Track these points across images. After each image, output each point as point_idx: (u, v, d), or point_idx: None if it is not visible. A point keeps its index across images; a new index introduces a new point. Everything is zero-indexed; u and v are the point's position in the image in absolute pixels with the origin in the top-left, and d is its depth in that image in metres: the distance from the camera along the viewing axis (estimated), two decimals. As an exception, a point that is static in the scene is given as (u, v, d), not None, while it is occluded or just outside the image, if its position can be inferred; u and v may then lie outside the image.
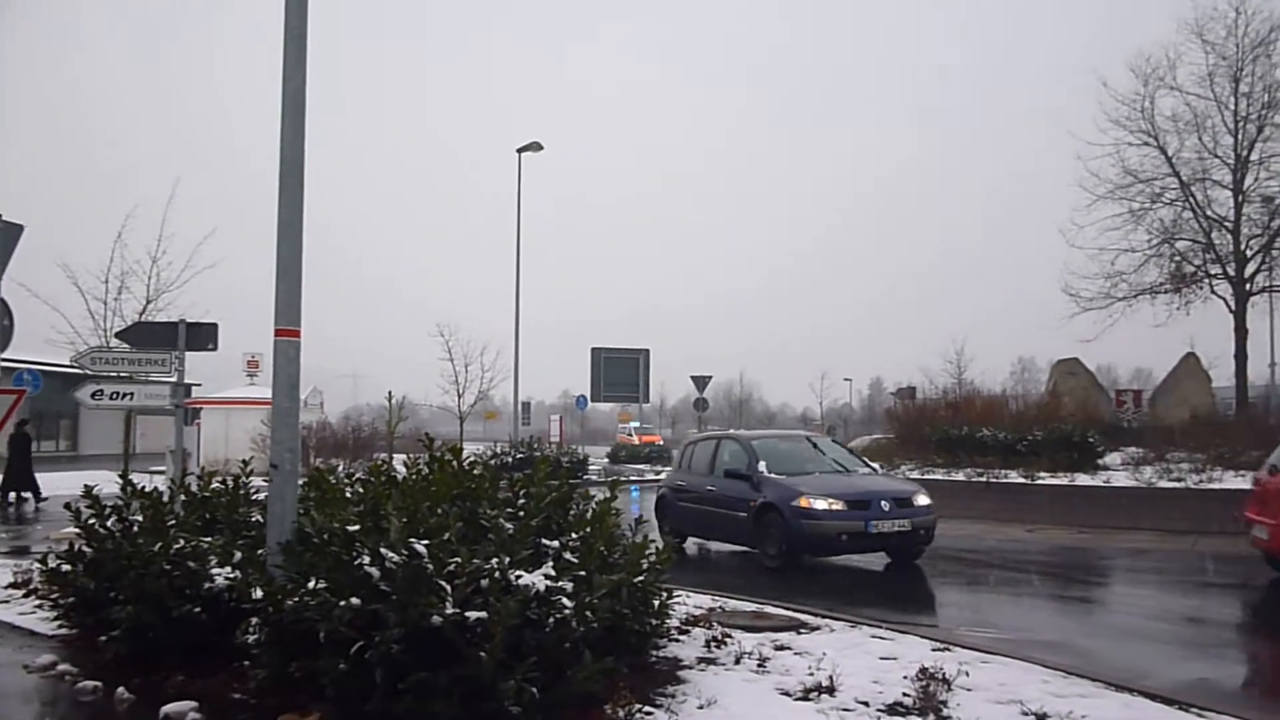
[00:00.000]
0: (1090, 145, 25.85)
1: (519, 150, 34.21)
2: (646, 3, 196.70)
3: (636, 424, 58.14)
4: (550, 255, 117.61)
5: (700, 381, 39.48)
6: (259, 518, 6.93)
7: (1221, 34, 24.67)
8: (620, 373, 37.24)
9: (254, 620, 5.45)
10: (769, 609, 8.77)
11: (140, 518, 6.72)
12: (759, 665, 6.41)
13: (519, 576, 4.93)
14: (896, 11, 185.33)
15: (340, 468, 14.63)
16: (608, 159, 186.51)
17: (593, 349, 37.34)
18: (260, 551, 6.07)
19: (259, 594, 5.30)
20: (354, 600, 4.75)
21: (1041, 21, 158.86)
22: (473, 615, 4.63)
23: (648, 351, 37.72)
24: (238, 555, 6.17)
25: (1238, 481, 16.92)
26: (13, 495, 21.27)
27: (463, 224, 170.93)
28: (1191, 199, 25.42)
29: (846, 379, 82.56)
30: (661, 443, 50.86)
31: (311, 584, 4.99)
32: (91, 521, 6.69)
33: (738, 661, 6.50)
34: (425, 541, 4.93)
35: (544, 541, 5.58)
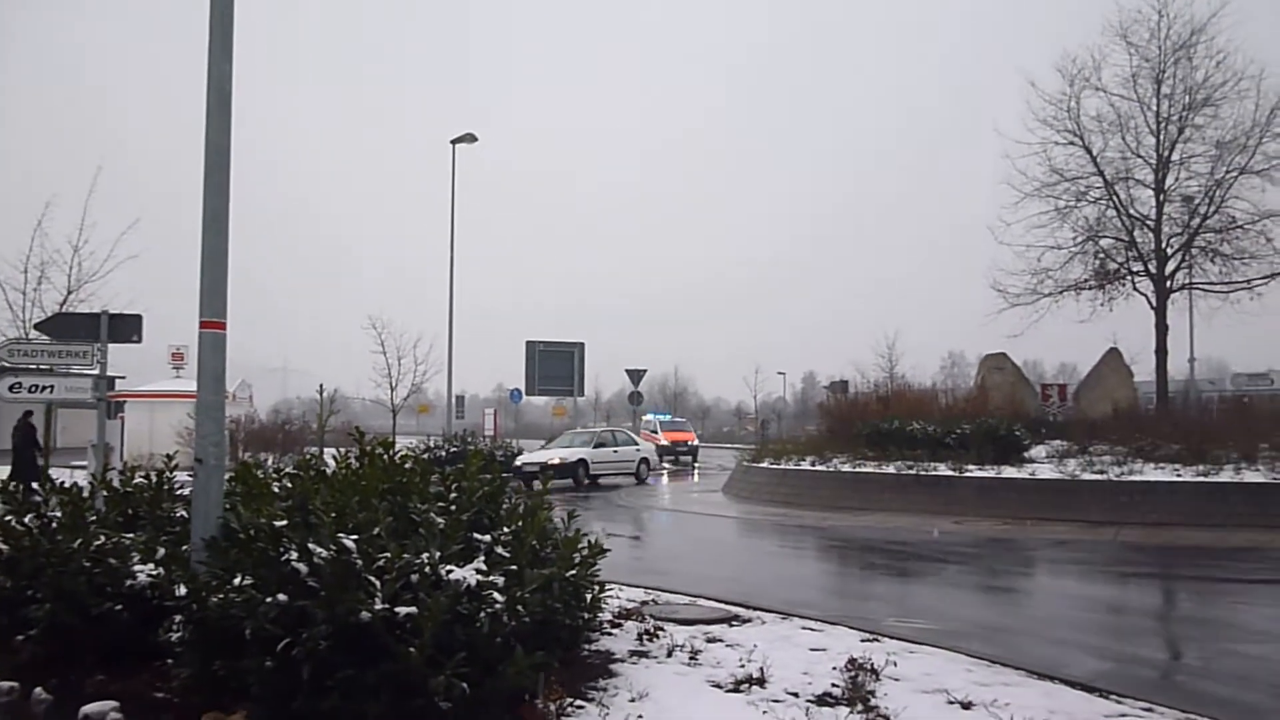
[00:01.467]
0: (1018, 144, 26.28)
1: (453, 141, 33.93)
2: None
3: (666, 415, 52.21)
4: (487, 249, 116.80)
5: (635, 375, 39.53)
6: (183, 513, 6.79)
7: (1145, 36, 25.22)
8: (555, 366, 37.13)
9: (177, 618, 5.34)
10: (702, 602, 8.81)
11: (59, 514, 6.55)
12: (691, 658, 6.45)
13: (450, 571, 4.90)
14: (841, 18, 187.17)
15: (269, 462, 14.41)
16: (558, 150, 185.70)
17: (527, 342, 37.19)
18: (184, 548, 5.96)
19: (182, 591, 5.20)
20: (281, 597, 4.68)
21: (976, 28, 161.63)
22: (403, 611, 4.59)
23: (582, 345, 37.67)
24: (161, 552, 6.03)
25: (1158, 474, 17.38)
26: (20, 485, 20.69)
27: (399, 214, 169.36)
28: (1115, 198, 25.94)
29: (780, 373, 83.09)
30: (694, 442, 45.16)
31: (237, 580, 4.91)
32: (8, 518, 6.50)
33: (670, 654, 6.52)
34: (354, 537, 4.87)
35: (476, 536, 5.54)
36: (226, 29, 6.32)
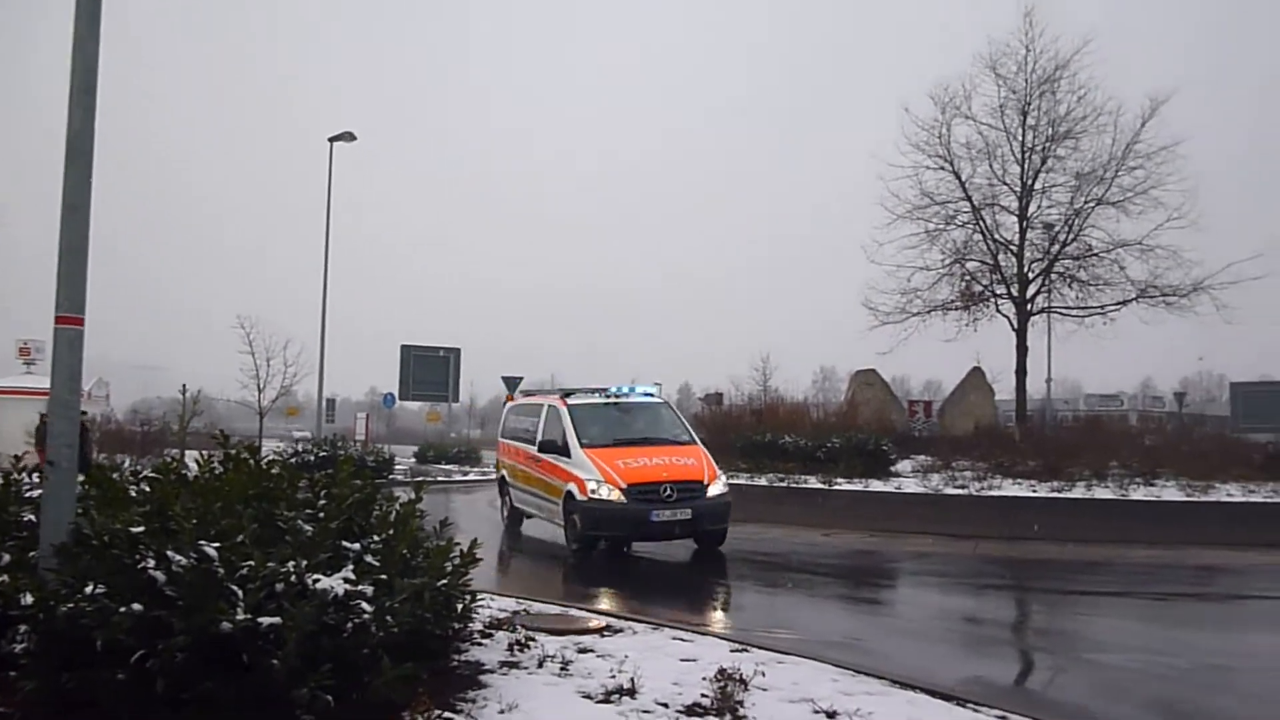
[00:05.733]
0: (892, 167, 26.96)
1: (330, 139, 33.10)
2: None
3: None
4: (360, 251, 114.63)
5: (511, 382, 39.11)
6: (32, 518, 6.44)
7: (1013, 69, 26.21)
8: (430, 371, 36.58)
9: (23, 628, 5.07)
10: (573, 612, 8.78)
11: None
12: (562, 668, 6.41)
13: (317, 580, 4.77)
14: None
15: (126, 465, 13.85)
16: (422, 155, 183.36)
17: (402, 346, 36.55)
18: (32, 554, 5.66)
19: (29, 599, 4.94)
20: (136, 606, 4.48)
21: (857, 51, 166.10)
22: (266, 621, 4.45)
23: (459, 351, 37.19)
24: (6, 558, 5.70)
25: (1015, 489, 18.07)
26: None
27: (275, 212, 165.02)
28: (981, 222, 26.86)
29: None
30: None
31: (89, 589, 4.68)
32: None
33: (540, 665, 6.47)
34: (217, 544, 4.70)
35: (344, 544, 5.41)
36: (94, 6, 6.03)
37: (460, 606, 6.26)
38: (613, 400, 15.35)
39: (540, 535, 15.73)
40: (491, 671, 6.23)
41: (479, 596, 6.94)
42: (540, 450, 14.79)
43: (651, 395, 16.22)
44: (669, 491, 13.06)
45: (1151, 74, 35.19)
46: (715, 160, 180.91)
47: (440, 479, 30.62)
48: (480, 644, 6.90)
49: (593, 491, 13.10)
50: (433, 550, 6.08)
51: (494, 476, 33.34)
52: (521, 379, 40.33)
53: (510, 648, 6.84)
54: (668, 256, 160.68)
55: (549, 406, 15.25)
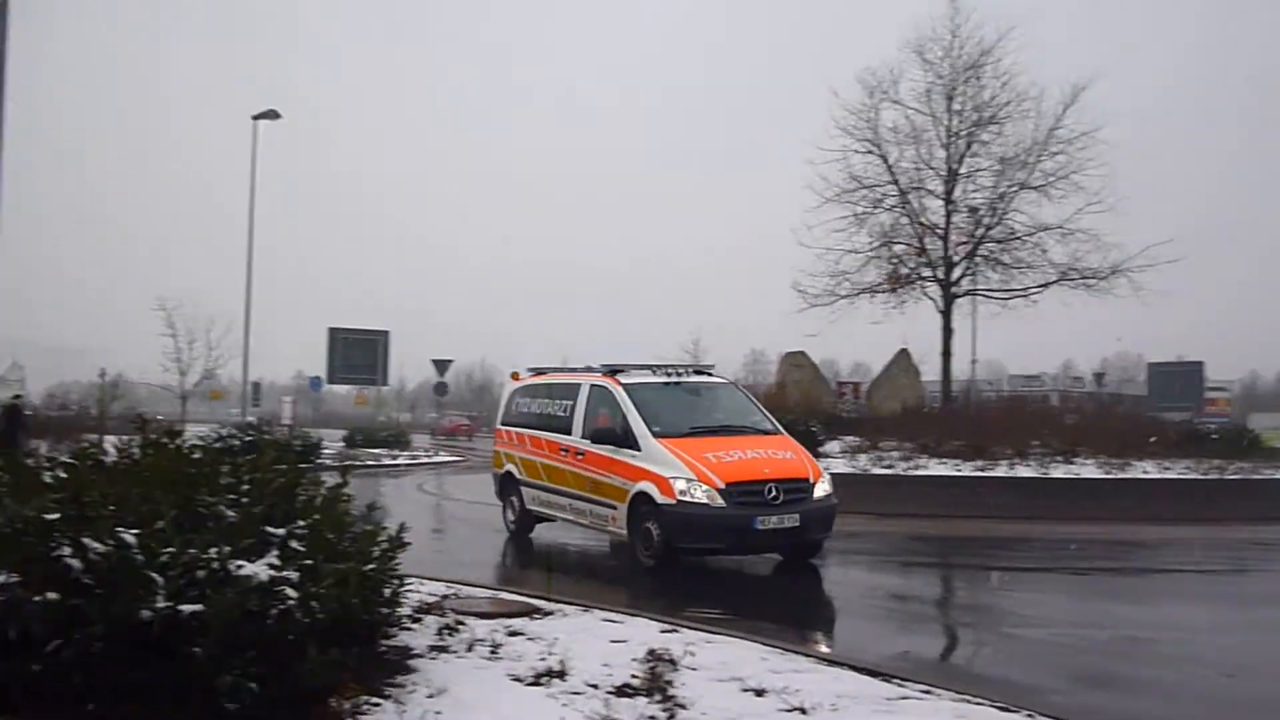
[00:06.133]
0: (820, 150, 27.17)
1: (255, 117, 32.48)
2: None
3: None
4: (288, 233, 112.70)
5: (441, 365, 38.87)
6: (-60, 506, 6.24)
7: (939, 55, 26.58)
8: (359, 354, 36.26)
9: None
10: (503, 595, 8.77)
11: None
12: (491, 652, 6.39)
13: (240, 566, 4.68)
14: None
15: (41, 450, 13.49)
16: (352, 136, 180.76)
17: (330, 329, 36.14)
18: (-60, 543, 5.48)
19: (-64, 591, 4.78)
20: (51, 595, 4.36)
21: (791, 36, 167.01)
22: (187, 609, 4.35)
23: (388, 333, 36.91)
24: (-87, 548, 5.53)
25: (940, 469, 18.41)
26: None
27: (196, 191, 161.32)
28: (908, 206, 27.21)
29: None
30: None
31: (1, 578, 4.55)
32: None
33: (470, 649, 6.44)
34: (135, 530, 4.59)
35: (269, 530, 5.31)
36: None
37: (389, 591, 6.19)
38: (675, 380, 13.04)
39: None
40: (420, 656, 6.19)
41: (408, 581, 6.87)
42: (594, 440, 12.21)
43: (712, 374, 14.22)
44: (774, 492, 10.82)
45: (1073, 60, 35.95)
46: (657, 145, 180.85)
47: (369, 463, 30.31)
48: (409, 628, 6.84)
49: (681, 493, 10.67)
50: (360, 535, 6.00)
51: (440, 460, 33.42)
52: (451, 361, 40.14)
53: (440, 632, 6.79)
54: (597, 239, 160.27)
55: (593, 386, 12.91)
